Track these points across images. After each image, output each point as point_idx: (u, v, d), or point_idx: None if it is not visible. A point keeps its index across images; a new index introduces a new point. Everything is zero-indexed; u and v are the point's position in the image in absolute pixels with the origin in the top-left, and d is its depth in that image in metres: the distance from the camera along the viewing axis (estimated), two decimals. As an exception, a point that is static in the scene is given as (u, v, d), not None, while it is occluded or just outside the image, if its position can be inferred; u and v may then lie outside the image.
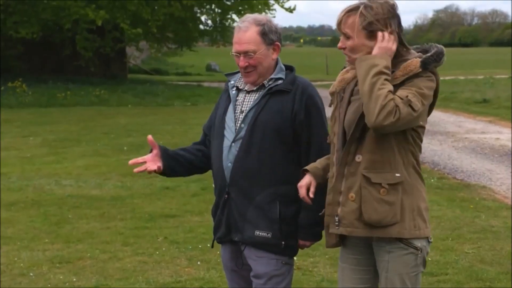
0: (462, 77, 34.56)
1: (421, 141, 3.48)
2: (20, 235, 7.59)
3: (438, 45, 3.40)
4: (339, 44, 3.43)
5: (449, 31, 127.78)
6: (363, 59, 3.31)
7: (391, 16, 3.34)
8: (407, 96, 3.22)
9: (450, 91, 25.63)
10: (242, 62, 3.74)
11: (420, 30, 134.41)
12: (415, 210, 3.40)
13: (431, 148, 13.29)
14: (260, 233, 3.76)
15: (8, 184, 10.26)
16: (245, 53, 3.73)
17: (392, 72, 3.32)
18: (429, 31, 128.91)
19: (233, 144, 3.78)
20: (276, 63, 3.86)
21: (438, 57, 3.33)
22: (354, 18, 3.34)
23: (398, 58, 3.37)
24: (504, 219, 8.03)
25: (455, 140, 14.48)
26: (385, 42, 3.31)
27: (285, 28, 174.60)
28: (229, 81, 3.97)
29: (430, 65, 3.31)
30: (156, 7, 28.64)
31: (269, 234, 3.76)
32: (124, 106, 23.43)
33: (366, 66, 3.28)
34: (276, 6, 31.60)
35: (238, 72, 3.95)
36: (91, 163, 12.16)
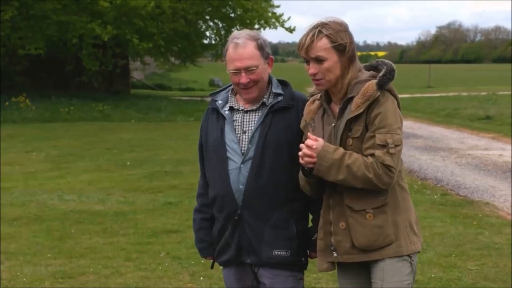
0: (465, 94, 34.58)
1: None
2: (23, 250, 7.59)
3: (386, 61, 3.48)
4: (312, 71, 3.46)
5: (452, 47, 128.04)
6: (322, 169, 3.38)
7: (347, 29, 3.46)
8: (386, 146, 3.32)
9: (453, 108, 25.66)
10: (244, 78, 3.66)
11: (423, 46, 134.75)
12: (408, 227, 3.48)
13: (434, 164, 13.27)
14: (279, 253, 3.72)
15: (11, 199, 10.26)
16: (247, 69, 3.66)
17: (352, 97, 3.40)
18: (432, 48, 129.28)
19: (242, 165, 3.71)
20: (270, 77, 3.82)
21: (391, 75, 3.40)
22: (321, 40, 3.40)
23: (355, 78, 3.44)
24: (507, 236, 8.01)
25: (458, 157, 14.46)
26: (310, 146, 3.39)
27: (288, 43, 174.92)
28: (216, 100, 3.86)
29: (386, 85, 3.39)
30: (160, 23, 28.81)
31: (287, 253, 3.73)
32: (127, 122, 23.47)
33: (329, 173, 3.38)
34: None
35: (222, 90, 3.90)
36: (94, 178, 12.17)
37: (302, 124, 3.63)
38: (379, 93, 3.36)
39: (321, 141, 3.39)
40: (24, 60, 29.16)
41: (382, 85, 3.37)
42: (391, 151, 3.32)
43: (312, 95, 3.64)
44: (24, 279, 6.59)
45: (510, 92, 33.32)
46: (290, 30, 31.81)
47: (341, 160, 3.34)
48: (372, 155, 3.33)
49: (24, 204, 9.96)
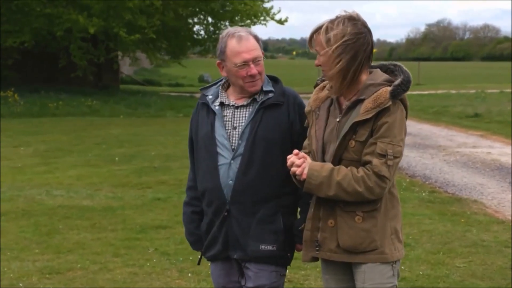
0: (454, 91, 34.67)
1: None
2: (10, 245, 7.55)
3: (404, 69, 3.44)
4: (316, 62, 3.47)
5: (441, 45, 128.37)
6: (312, 187, 3.38)
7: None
8: (385, 156, 3.31)
9: (442, 105, 25.71)
10: (254, 69, 3.67)
11: (412, 44, 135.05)
12: (394, 233, 3.47)
13: (423, 162, 13.29)
14: (266, 247, 3.73)
15: (-1, 194, 10.22)
16: (255, 60, 3.68)
17: (363, 99, 3.37)
18: (421, 45, 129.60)
19: (232, 161, 3.72)
20: None
21: (406, 87, 3.38)
22: (318, 37, 3.39)
23: (367, 80, 3.41)
24: (495, 234, 8.04)
25: (446, 154, 14.50)
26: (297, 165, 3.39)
27: (277, 40, 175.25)
28: (206, 95, 3.87)
29: (400, 96, 3.37)
30: (147, 16, 28.70)
31: (274, 247, 3.74)
32: (116, 117, 23.42)
33: (320, 190, 3.37)
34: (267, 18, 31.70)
35: (213, 85, 3.90)
36: (82, 173, 12.13)
37: (306, 109, 3.61)
38: (390, 102, 3.33)
39: (308, 160, 3.40)
40: (15, 53, 28.98)
41: (395, 96, 3.34)
42: (389, 162, 3.31)
43: (323, 81, 3.61)
44: (11, 275, 6.56)
45: (498, 90, 33.46)
46: (282, 22, 31.59)
47: (330, 177, 3.33)
48: (370, 162, 3.32)
49: (12, 199, 9.91)
